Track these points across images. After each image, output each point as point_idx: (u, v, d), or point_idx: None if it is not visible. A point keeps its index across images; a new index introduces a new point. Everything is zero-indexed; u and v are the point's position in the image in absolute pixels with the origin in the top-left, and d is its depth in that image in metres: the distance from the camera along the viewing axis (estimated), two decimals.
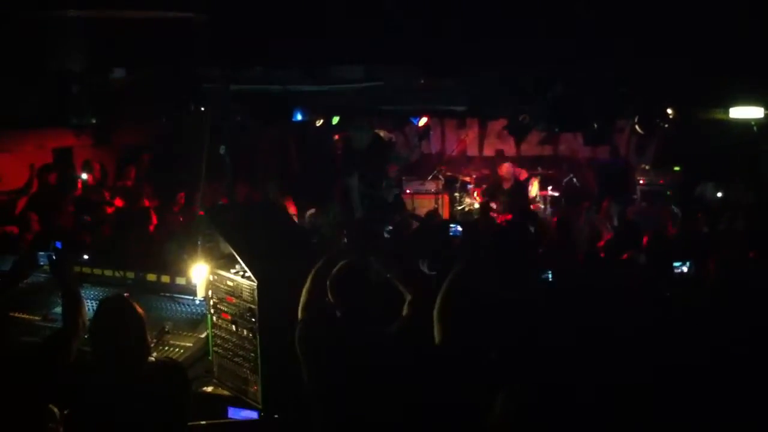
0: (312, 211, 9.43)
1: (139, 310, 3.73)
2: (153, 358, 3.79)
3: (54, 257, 4.34)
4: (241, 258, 4.41)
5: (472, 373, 3.77)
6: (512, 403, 2.89)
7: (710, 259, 5.73)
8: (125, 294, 4.74)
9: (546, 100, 9.69)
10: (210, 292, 4.72)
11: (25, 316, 5.43)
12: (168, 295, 5.26)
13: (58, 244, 4.64)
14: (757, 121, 9.44)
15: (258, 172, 12.67)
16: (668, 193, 11.42)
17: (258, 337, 4.34)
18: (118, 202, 10.07)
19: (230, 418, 4.56)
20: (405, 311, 4.00)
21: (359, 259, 4.27)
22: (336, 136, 13.24)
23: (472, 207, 12.27)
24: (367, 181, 9.02)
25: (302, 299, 4.09)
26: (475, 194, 12.21)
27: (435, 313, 3.82)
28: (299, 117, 10.93)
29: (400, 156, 10.68)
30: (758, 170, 10.37)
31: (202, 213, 7.34)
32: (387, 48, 8.22)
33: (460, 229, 7.59)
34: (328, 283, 3.94)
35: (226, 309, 4.58)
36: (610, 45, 7.90)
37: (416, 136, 14.19)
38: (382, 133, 12.80)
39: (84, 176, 10.80)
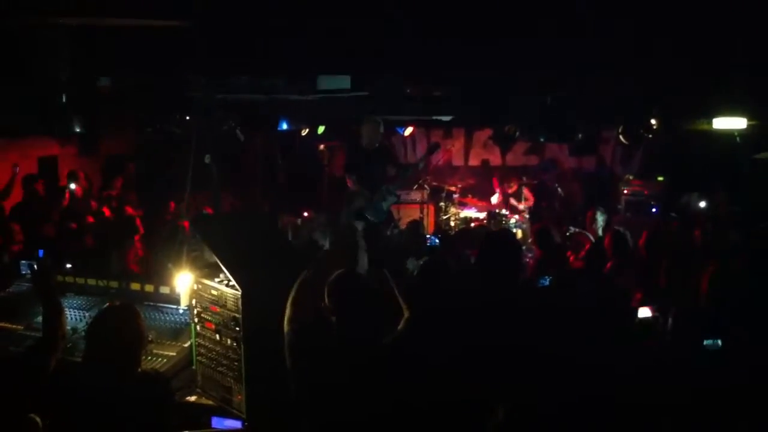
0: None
1: (143, 323, 3.76)
2: (139, 369, 3.80)
3: (35, 266, 4.32)
4: (225, 267, 4.40)
5: (467, 384, 3.76)
6: (510, 412, 2.90)
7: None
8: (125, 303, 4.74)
9: (532, 111, 9.74)
10: (194, 301, 4.71)
11: (7, 325, 5.41)
12: (151, 304, 5.24)
13: (41, 253, 4.62)
14: (740, 131, 9.52)
15: (244, 181, 12.66)
16: (652, 203, 11.50)
17: (242, 346, 4.32)
18: (106, 211, 10.05)
19: (214, 428, 4.54)
20: (401, 326, 3.99)
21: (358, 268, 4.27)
22: (321, 146, 13.24)
23: (456, 216, 12.30)
24: (367, 185, 8.92)
25: (288, 311, 4.02)
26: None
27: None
28: (285, 126, 10.93)
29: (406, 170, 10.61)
30: (742, 180, 10.44)
31: (186, 222, 7.32)
32: (374, 57, 8.25)
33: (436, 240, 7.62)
34: (326, 287, 3.91)
35: (210, 318, 4.57)
36: (595, 56, 7.96)
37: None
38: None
39: (72, 186, 10.75)
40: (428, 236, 8.10)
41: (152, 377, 3.89)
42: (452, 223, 12.25)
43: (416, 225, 9.60)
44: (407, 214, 11.96)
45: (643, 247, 6.97)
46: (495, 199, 12.61)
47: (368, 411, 3.70)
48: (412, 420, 3.73)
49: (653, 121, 9.81)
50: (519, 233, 11.66)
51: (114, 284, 5.54)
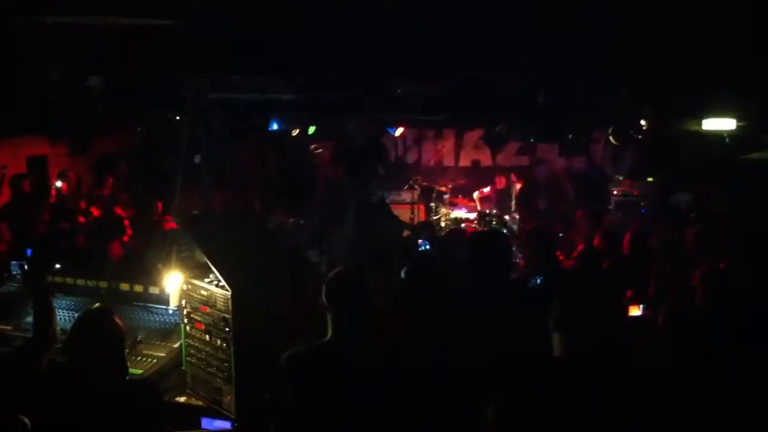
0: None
1: (121, 327, 3.73)
2: (126, 373, 3.79)
3: (26, 266, 4.30)
4: (215, 267, 4.40)
5: (464, 387, 3.75)
6: (500, 410, 2.90)
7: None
8: (100, 305, 4.71)
9: (523, 111, 9.75)
10: (184, 302, 4.70)
11: None
12: (141, 304, 5.24)
13: (29, 252, 4.61)
14: (729, 132, 9.56)
15: (235, 181, 12.61)
16: (642, 203, 11.54)
17: (232, 347, 4.32)
18: (95, 211, 10.01)
19: (204, 429, 4.53)
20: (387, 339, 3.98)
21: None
22: (313, 146, 13.24)
23: (447, 217, 12.30)
24: (358, 181, 8.88)
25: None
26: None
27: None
28: (276, 126, 10.91)
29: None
30: (732, 181, 10.49)
31: (175, 223, 7.31)
32: (367, 56, 8.24)
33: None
34: (323, 286, 3.84)
35: (199, 318, 4.56)
36: (586, 56, 7.98)
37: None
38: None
39: (59, 184, 10.71)
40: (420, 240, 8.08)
41: (138, 383, 3.88)
42: (443, 224, 12.24)
43: (430, 226, 9.58)
44: (398, 214, 11.95)
45: (627, 247, 6.99)
46: (477, 194, 12.59)
47: (363, 419, 3.69)
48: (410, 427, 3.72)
49: (643, 122, 9.84)
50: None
51: (104, 284, 5.53)
